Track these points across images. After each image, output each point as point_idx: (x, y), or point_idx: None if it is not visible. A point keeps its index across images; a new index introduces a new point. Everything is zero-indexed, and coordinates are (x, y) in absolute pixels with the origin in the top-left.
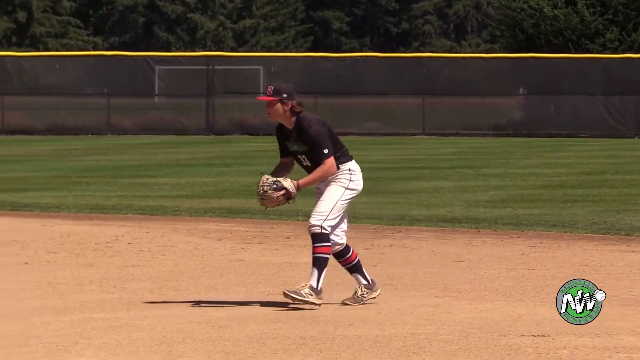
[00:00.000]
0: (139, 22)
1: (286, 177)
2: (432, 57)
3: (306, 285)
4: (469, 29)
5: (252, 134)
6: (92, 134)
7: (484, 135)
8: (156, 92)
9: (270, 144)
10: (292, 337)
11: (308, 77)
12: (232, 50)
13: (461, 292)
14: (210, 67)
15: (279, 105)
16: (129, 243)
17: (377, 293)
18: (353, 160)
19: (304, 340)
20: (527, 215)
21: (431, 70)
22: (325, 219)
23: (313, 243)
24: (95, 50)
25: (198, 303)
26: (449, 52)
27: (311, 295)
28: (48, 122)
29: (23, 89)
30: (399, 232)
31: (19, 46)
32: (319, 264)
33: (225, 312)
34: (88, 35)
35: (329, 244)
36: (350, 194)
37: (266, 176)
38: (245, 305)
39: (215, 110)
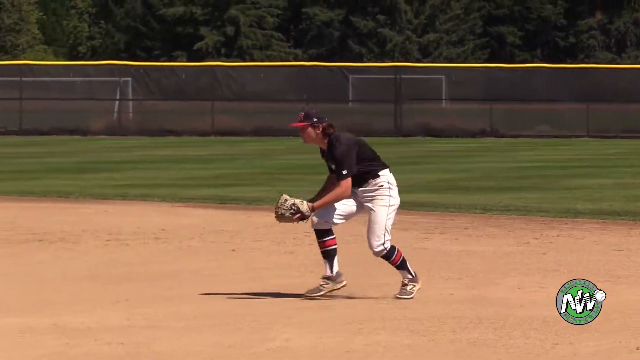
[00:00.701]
0: (335, 36)
1: (303, 199)
2: (596, 67)
3: (407, 284)
4: (628, 43)
5: (435, 136)
6: (292, 136)
7: None
8: (350, 98)
9: (451, 145)
10: (469, 316)
11: (485, 86)
12: (418, 61)
13: (620, 278)
14: (398, 76)
15: (310, 129)
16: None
17: (342, 285)
18: (388, 170)
19: (480, 320)
20: None
21: (595, 80)
22: (384, 240)
23: (388, 260)
24: (295, 61)
25: (384, 286)
26: (611, 63)
27: (413, 286)
28: (253, 125)
29: (231, 95)
30: (566, 223)
31: (228, 57)
32: (403, 264)
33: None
34: (289, 47)
35: (396, 251)
36: (392, 210)
37: (285, 197)
38: (426, 288)
39: (402, 115)
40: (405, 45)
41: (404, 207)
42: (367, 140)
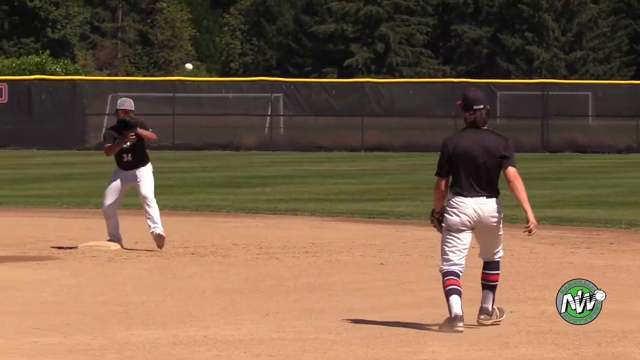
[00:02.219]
0: (483, 53)
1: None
2: None
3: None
4: None
5: (581, 152)
6: (438, 151)
7: None
8: (497, 114)
9: (597, 161)
10: (613, 330)
11: (631, 102)
12: (564, 77)
13: None
14: (545, 92)
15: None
16: (473, 247)
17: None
18: (455, 196)
19: (625, 334)
20: None
21: None
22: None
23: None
24: (444, 77)
25: (532, 300)
26: None
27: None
28: (402, 140)
29: (381, 111)
30: None
31: (377, 73)
32: (446, 296)
33: (555, 308)
34: (438, 64)
35: (446, 279)
36: (445, 233)
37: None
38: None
39: (549, 130)
40: (553, 62)
41: (548, 222)
42: (516, 156)
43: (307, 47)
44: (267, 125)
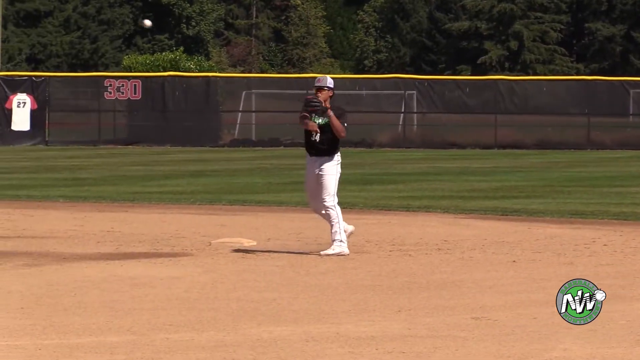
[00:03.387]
0: (617, 51)
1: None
2: None
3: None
4: None
5: None
6: (574, 149)
7: None
8: (630, 112)
9: None
10: None
11: None
12: None
13: None
14: None
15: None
16: (605, 245)
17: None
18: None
19: None
20: None
21: None
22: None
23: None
24: (577, 75)
25: None
26: None
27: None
28: (536, 138)
29: (514, 108)
30: None
31: (511, 71)
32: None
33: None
34: (572, 62)
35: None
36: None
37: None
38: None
39: None
40: None
41: None
42: None
43: (440, 45)
44: (400, 123)
